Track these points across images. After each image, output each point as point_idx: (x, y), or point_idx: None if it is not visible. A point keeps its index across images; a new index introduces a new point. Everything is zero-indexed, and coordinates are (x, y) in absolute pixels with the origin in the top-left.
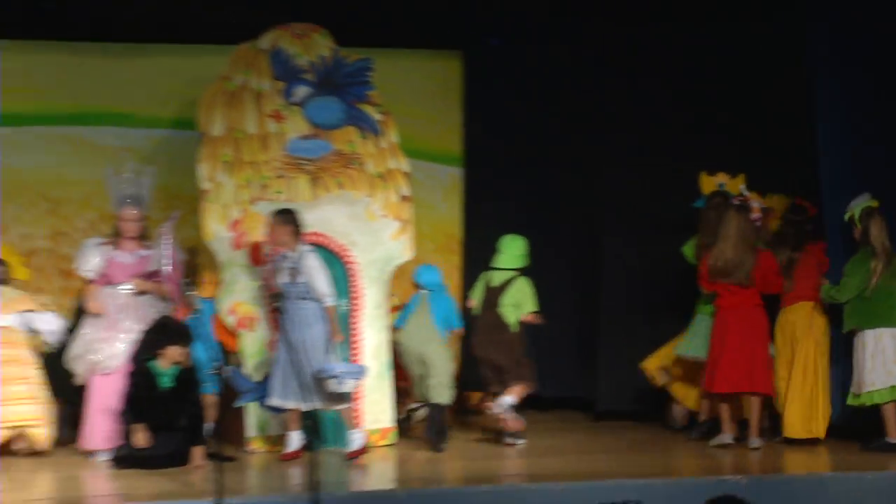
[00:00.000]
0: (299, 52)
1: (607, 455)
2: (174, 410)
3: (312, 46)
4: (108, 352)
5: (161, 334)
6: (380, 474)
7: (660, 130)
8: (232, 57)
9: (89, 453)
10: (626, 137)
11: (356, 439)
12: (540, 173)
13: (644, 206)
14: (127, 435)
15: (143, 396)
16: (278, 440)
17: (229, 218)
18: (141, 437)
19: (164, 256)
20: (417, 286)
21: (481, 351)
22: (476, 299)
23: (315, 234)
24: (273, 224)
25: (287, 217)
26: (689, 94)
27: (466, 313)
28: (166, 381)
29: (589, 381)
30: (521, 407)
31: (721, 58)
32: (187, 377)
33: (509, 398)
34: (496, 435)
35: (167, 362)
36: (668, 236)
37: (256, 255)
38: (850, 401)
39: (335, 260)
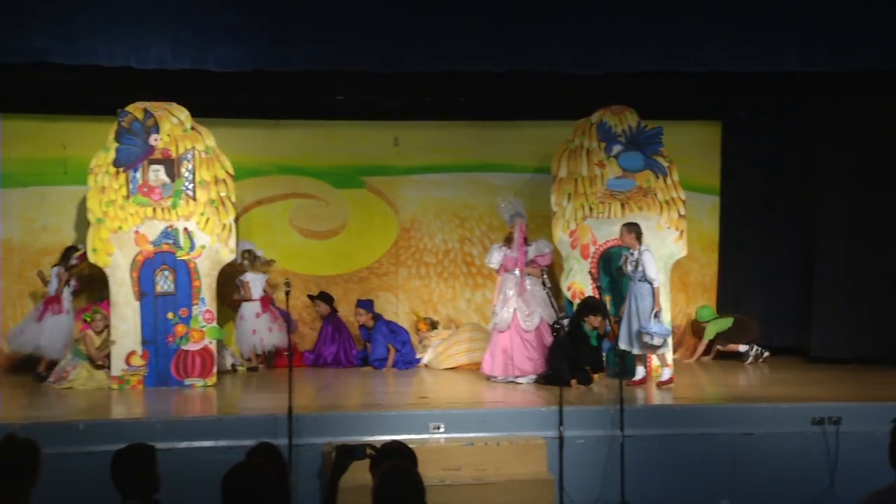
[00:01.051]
0: (616, 123)
1: (818, 385)
2: (594, 359)
3: (624, 119)
4: (501, 315)
5: (586, 308)
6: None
7: (859, 171)
8: (573, 127)
9: (489, 377)
10: (837, 174)
11: (665, 373)
12: (773, 198)
13: (848, 214)
14: (552, 365)
15: (578, 347)
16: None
17: (569, 229)
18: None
19: (517, 247)
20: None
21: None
22: (720, 326)
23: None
24: (624, 231)
25: (633, 227)
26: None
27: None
28: (594, 341)
29: (805, 334)
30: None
31: None
32: (600, 337)
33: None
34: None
35: (590, 326)
36: (865, 236)
37: (585, 252)
38: None
39: None
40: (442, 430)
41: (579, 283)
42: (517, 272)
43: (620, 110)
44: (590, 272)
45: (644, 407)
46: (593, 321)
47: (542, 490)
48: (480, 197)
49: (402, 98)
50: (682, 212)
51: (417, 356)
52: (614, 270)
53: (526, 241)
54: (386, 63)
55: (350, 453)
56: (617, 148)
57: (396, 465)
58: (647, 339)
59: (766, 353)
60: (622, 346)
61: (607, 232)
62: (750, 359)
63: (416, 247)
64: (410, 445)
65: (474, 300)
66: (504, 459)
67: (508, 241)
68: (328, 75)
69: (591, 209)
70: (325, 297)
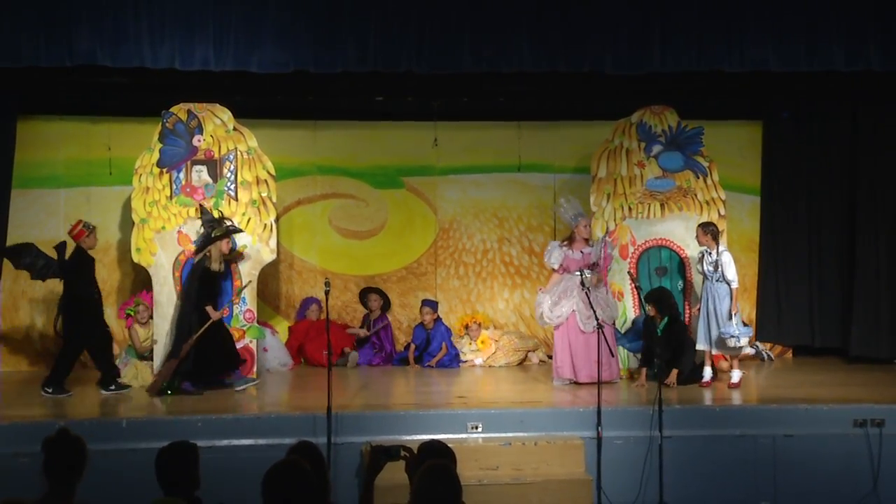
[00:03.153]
0: (656, 123)
1: (860, 387)
2: (663, 349)
3: (664, 119)
4: (557, 312)
5: (647, 299)
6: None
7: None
8: (613, 127)
9: (568, 379)
10: (879, 175)
11: (736, 375)
12: (814, 198)
13: (891, 214)
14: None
15: (649, 339)
16: (635, 372)
17: (608, 228)
18: (643, 378)
19: (601, 256)
20: None
21: None
22: None
23: (663, 239)
24: (700, 232)
25: (709, 227)
26: None
27: None
28: (659, 331)
29: (845, 335)
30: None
31: None
32: (670, 328)
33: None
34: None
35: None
36: None
37: (624, 253)
38: None
39: (675, 255)
40: (480, 429)
41: (618, 283)
42: (580, 274)
43: (660, 110)
44: (628, 272)
45: (683, 408)
46: (652, 310)
47: (580, 490)
48: (519, 197)
49: (442, 99)
50: (723, 212)
51: (469, 357)
52: (653, 270)
53: (587, 243)
54: (426, 64)
55: (385, 454)
56: (657, 148)
57: (435, 464)
58: (732, 342)
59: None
60: (700, 346)
61: (646, 232)
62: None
63: (454, 247)
64: (449, 445)
65: (513, 300)
66: (542, 459)
67: (570, 240)
68: (368, 76)
69: (630, 209)
70: (382, 294)
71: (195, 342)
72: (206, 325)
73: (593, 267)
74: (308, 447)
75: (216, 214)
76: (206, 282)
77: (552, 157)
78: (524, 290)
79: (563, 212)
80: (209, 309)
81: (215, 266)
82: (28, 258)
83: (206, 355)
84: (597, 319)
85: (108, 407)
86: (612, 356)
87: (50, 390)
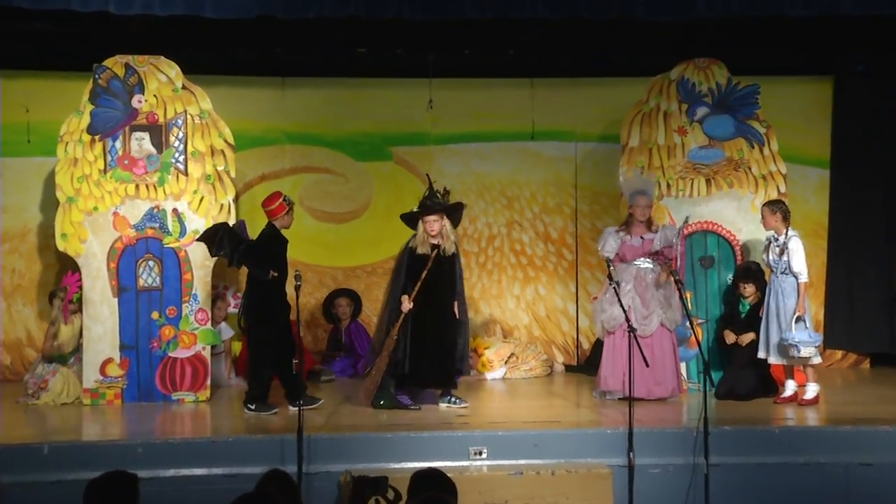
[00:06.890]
0: (701, 80)
1: None
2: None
3: (711, 76)
4: (610, 314)
5: (745, 272)
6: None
7: None
8: (648, 86)
9: (604, 393)
10: None
11: (811, 390)
12: (894, 173)
13: None
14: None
15: (730, 312)
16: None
17: (687, 216)
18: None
19: (674, 244)
20: None
21: None
22: None
23: (709, 223)
24: (767, 213)
25: (778, 206)
26: None
27: None
28: (744, 312)
29: None
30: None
31: None
32: (755, 310)
33: None
34: None
35: (743, 294)
36: None
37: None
38: None
39: (725, 242)
40: (484, 455)
41: None
42: (637, 263)
43: (706, 64)
44: (667, 264)
45: (733, 429)
46: (747, 290)
47: None
48: (533, 171)
49: (439, 51)
50: (783, 189)
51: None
52: (696, 261)
53: (650, 227)
54: (419, 9)
55: (371, 486)
56: (702, 111)
57: (430, 498)
58: (792, 351)
59: None
60: (760, 354)
61: (689, 214)
62: None
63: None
64: (448, 474)
65: (524, 297)
66: (560, 492)
67: (627, 224)
68: (348, 23)
69: (669, 186)
70: (353, 295)
71: (396, 338)
72: (400, 320)
73: (655, 256)
74: (279, 477)
75: (439, 189)
76: (410, 267)
77: (572, 123)
78: (538, 284)
79: (622, 181)
80: (403, 298)
81: (420, 249)
82: (217, 244)
83: (421, 358)
84: (628, 321)
85: (26, 429)
86: (676, 367)
87: (253, 407)
